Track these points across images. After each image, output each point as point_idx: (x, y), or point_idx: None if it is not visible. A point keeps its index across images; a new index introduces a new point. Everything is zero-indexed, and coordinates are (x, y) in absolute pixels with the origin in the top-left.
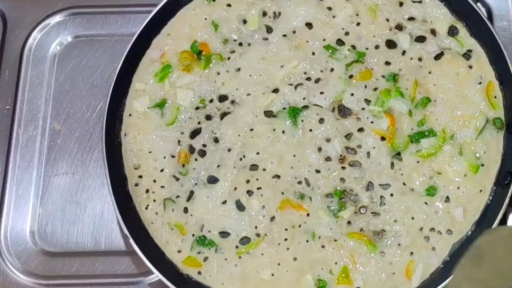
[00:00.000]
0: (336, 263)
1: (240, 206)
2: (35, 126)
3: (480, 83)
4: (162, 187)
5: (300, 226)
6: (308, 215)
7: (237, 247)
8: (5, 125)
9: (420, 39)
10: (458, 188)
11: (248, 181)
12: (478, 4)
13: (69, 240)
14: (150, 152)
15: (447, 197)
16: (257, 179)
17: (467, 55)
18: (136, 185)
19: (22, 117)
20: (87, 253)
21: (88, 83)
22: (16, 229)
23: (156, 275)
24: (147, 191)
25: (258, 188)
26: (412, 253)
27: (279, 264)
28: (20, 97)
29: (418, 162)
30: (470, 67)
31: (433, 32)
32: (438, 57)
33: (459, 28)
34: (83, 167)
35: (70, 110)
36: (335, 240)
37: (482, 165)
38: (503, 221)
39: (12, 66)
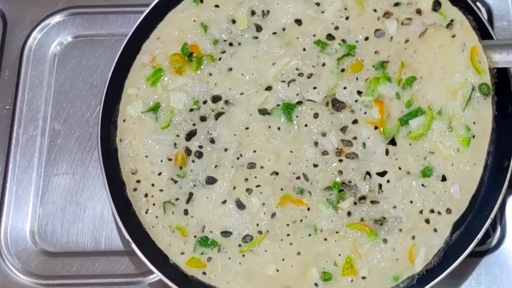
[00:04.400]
0: (339, 254)
1: (240, 205)
2: (35, 126)
3: (463, 50)
4: (161, 190)
5: (301, 220)
6: (308, 209)
7: (240, 245)
8: (5, 125)
9: (407, 21)
10: (453, 164)
11: (246, 180)
12: (478, 4)
13: (69, 240)
14: (146, 156)
15: (443, 176)
16: (255, 177)
17: (450, 25)
18: (135, 190)
19: (22, 117)
20: (87, 253)
21: (88, 83)
22: (16, 229)
23: (156, 275)
24: (146, 195)
25: (257, 186)
26: (413, 237)
27: (283, 259)
28: (20, 97)
29: (410, 144)
30: (453, 36)
31: (418, 11)
32: (422, 34)
33: (442, 1)
34: (83, 167)
35: (70, 110)
36: (337, 232)
37: (473, 136)
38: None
39: (12, 66)
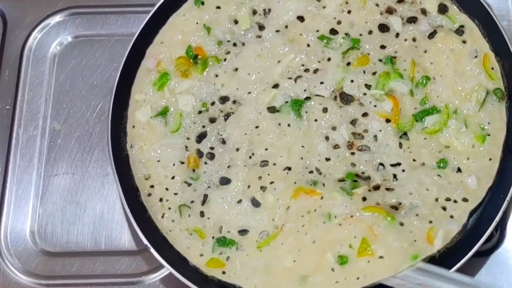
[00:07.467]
0: (355, 237)
1: (255, 203)
2: (35, 126)
3: (476, 56)
4: (176, 194)
5: (315, 210)
6: (322, 198)
7: (257, 241)
8: (5, 125)
9: (412, 20)
10: (468, 159)
11: (260, 178)
12: None
13: (69, 240)
14: (158, 161)
15: (459, 168)
16: (268, 174)
17: (459, 31)
18: (149, 195)
19: (22, 117)
20: (87, 253)
21: (88, 83)
22: (16, 229)
23: (156, 276)
24: (161, 199)
25: (271, 183)
26: (431, 221)
27: (299, 249)
28: (20, 97)
29: (425, 139)
30: (464, 42)
31: (423, 12)
32: (431, 35)
33: (448, 5)
34: (83, 167)
35: (70, 110)
36: (351, 216)
37: (488, 135)
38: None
39: (12, 66)
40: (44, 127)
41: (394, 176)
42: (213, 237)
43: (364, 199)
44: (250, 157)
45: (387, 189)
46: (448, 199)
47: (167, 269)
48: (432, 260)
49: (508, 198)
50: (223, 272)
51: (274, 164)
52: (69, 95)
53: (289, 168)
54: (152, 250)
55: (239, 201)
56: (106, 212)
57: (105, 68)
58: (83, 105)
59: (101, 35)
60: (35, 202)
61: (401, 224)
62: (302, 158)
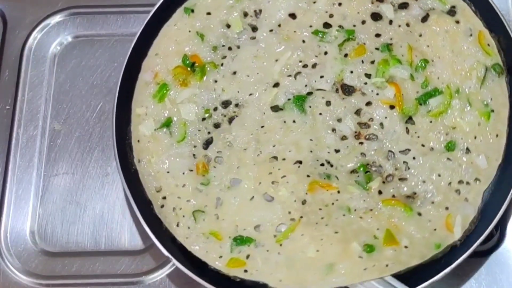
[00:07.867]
0: (378, 229)
1: (268, 198)
2: (35, 126)
3: (470, 35)
4: (188, 201)
5: (333, 203)
6: (338, 192)
7: (275, 236)
8: (5, 125)
9: (403, 5)
10: (475, 137)
11: (270, 173)
12: None
13: (69, 240)
14: (168, 172)
15: (467, 149)
16: (279, 169)
17: (451, 11)
18: (162, 206)
19: (22, 117)
20: (87, 253)
21: (88, 83)
22: (16, 229)
23: (155, 276)
24: (174, 209)
25: (283, 177)
26: (447, 207)
27: (321, 239)
28: (20, 97)
29: (431, 122)
30: (457, 22)
31: None
32: (424, 19)
33: None
34: (83, 167)
35: (70, 110)
36: (371, 210)
37: (492, 111)
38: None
39: (12, 66)
40: (44, 127)
41: (405, 164)
42: (229, 237)
43: (380, 192)
44: (258, 155)
45: (400, 179)
46: (460, 182)
47: (168, 270)
48: (452, 248)
49: None
50: (245, 271)
51: (284, 159)
52: (69, 95)
53: (300, 162)
54: (175, 261)
55: (251, 198)
56: (106, 212)
57: (105, 68)
58: (83, 105)
59: (101, 35)
60: (35, 202)
61: (419, 214)
62: (311, 151)
